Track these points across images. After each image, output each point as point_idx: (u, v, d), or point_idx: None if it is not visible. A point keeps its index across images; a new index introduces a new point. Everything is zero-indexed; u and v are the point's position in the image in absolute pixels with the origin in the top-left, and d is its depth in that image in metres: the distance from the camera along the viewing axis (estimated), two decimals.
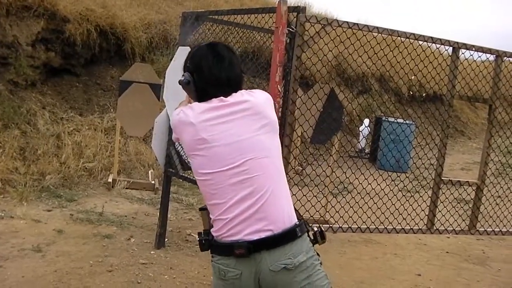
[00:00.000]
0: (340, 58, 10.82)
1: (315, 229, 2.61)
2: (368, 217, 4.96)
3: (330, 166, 7.14)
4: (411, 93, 15.59)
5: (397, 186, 6.07)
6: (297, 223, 2.51)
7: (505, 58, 5.27)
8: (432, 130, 9.65)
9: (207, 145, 2.48)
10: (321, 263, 2.55)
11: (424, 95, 15.36)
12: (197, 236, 2.66)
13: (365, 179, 5.21)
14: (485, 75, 5.55)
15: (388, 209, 5.05)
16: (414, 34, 4.76)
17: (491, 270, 6.57)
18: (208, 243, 2.57)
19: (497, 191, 6.09)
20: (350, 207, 4.99)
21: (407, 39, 4.82)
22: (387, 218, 5.03)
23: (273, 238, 2.43)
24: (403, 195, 5.90)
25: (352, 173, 5.29)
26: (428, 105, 14.87)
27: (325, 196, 7.24)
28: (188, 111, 2.53)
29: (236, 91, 2.57)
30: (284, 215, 2.48)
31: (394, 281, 5.80)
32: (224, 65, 2.57)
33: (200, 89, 2.58)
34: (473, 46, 5.08)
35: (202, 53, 2.61)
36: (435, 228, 5.12)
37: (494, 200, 5.80)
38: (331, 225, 4.93)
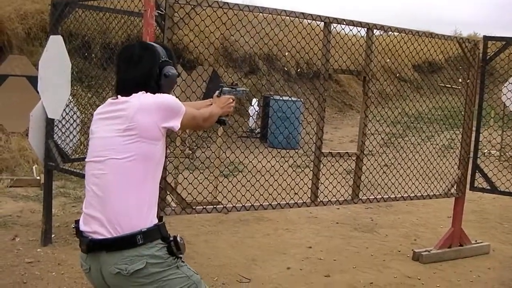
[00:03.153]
0: (227, 40, 10.84)
1: (171, 238, 2.55)
2: (261, 195, 5.00)
3: (219, 147, 7.14)
4: (299, 70, 15.90)
5: (287, 162, 6.17)
6: (143, 229, 2.46)
7: (376, 30, 5.43)
8: (317, 105, 9.84)
9: (91, 135, 2.63)
10: (177, 267, 2.53)
11: (308, 71, 15.70)
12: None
13: (255, 157, 5.25)
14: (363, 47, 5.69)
15: (280, 185, 5.13)
16: (285, 10, 4.84)
17: (379, 236, 6.83)
18: (77, 230, 2.60)
19: (383, 160, 6.31)
20: (242, 185, 4.99)
21: (288, 17, 4.91)
22: (280, 194, 5.10)
23: (111, 241, 2.45)
24: (293, 171, 6.02)
25: (242, 152, 5.33)
26: (314, 81, 15.20)
27: (217, 177, 7.25)
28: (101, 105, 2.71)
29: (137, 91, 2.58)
30: (125, 220, 2.46)
31: (286, 255, 5.91)
32: (125, 67, 2.67)
33: None
34: (344, 20, 5.22)
35: None
36: (319, 200, 5.25)
37: (381, 168, 6.02)
38: (225, 205, 4.95)
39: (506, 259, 6.25)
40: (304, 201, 5.22)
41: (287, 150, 7.99)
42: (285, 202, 5.11)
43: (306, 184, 5.29)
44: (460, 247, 6.25)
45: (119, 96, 2.61)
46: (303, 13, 4.93)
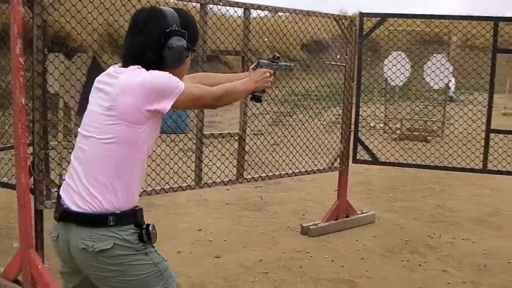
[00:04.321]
0: (112, 27, 10.55)
1: (144, 226, 2.49)
2: (145, 181, 4.89)
3: None
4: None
5: (168, 146, 6.10)
6: (117, 212, 2.39)
7: (253, 10, 5.46)
8: None
9: (88, 104, 2.50)
10: (146, 253, 2.46)
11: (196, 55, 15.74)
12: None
13: None
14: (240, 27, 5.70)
15: (163, 169, 5.04)
16: None
17: (268, 213, 6.93)
18: (58, 196, 2.56)
19: (270, 139, 6.39)
20: None
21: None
22: (163, 179, 5.03)
23: (82, 215, 2.40)
24: (176, 154, 5.95)
25: None
26: (212, 63, 15.20)
27: None
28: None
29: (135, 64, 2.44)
30: (97, 200, 2.40)
31: (176, 239, 5.86)
32: (128, 35, 2.53)
33: None
34: (220, 1, 5.19)
35: None
36: (203, 182, 5.24)
37: (270, 147, 6.09)
38: None
39: (390, 226, 6.53)
40: (189, 184, 5.20)
41: (177, 134, 7.98)
42: (169, 187, 5.05)
43: (189, 167, 5.26)
44: (347, 218, 6.47)
45: (116, 66, 2.49)
46: None
